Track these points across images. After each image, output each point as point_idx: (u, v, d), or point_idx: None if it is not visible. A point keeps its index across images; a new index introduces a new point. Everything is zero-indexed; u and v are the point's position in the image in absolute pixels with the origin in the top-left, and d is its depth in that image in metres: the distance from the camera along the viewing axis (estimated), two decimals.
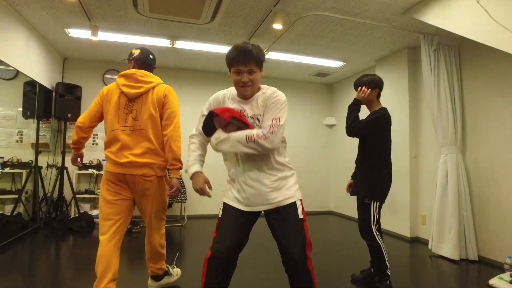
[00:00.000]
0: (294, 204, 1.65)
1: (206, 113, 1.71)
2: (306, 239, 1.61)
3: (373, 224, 2.49)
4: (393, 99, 4.52)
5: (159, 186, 2.12)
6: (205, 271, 1.60)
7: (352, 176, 2.88)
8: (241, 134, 1.57)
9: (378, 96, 2.66)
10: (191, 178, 1.71)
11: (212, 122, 1.64)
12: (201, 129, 1.74)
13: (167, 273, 2.44)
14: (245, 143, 1.54)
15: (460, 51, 3.67)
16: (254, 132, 1.56)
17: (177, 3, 3.20)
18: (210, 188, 1.72)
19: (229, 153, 1.73)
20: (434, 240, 3.52)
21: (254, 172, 1.65)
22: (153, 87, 2.15)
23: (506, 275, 2.39)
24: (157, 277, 2.39)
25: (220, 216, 1.72)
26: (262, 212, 1.69)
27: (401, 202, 4.29)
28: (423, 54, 3.55)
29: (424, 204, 4.11)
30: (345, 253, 3.66)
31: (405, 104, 4.28)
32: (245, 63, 1.60)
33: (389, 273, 2.51)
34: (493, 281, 2.41)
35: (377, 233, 2.49)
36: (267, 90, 1.72)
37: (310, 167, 6.09)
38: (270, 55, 4.66)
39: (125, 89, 2.09)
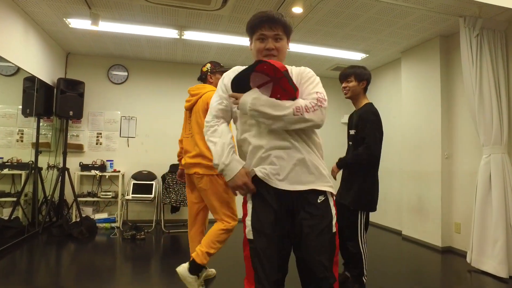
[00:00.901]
0: None
1: (223, 94, 1.43)
2: None
3: (360, 233, 2.39)
4: (422, 93, 4.09)
5: (212, 184, 2.37)
6: None
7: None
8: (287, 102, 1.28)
9: (365, 90, 2.48)
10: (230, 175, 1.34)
11: (249, 78, 1.29)
12: (231, 89, 1.36)
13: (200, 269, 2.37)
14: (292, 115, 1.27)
15: (507, 36, 3.22)
16: (302, 102, 1.29)
17: None
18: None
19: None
20: (474, 253, 3.09)
21: None
22: (200, 97, 2.49)
23: None
24: (193, 266, 2.29)
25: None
26: None
27: (432, 207, 3.86)
28: (462, 41, 3.12)
29: (458, 211, 3.67)
30: (395, 272, 3.25)
31: (437, 98, 3.85)
32: (270, 27, 1.37)
33: (365, 280, 2.40)
34: None
35: (362, 240, 2.39)
36: (293, 68, 1.45)
37: (327, 168, 5.69)
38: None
39: (185, 104, 2.64)
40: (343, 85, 2.49)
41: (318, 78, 1.42)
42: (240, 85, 1.31)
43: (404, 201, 4.34)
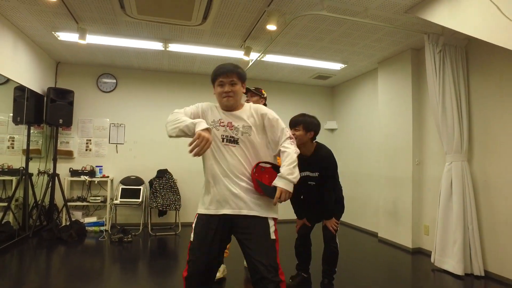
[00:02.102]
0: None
1: (193, 108, 1.86)
2: None
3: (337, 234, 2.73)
4: (395, 102, 4.33)
5: None
6: None
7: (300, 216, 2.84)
8: (293, 164, 1.71)
9: (313, 139, 2.60)
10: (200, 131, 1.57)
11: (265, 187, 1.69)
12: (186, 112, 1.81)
13: None
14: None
15: (467, 53, 3.46)
16: (294, 155, 1.74)
17: (165, 3, 3.05)
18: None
19: None
20: (437, 253, 3.32)
21: None
22: None
23: None
24: None
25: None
26: None
27: (403, 211, 4.09)
28: (427, 56, 3.35)
29: (427, 214, 3.90)
30: (365, 271, 3.46)
31: (408, 108, 4.08)
32: (227, 75, 1.79)
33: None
34: None
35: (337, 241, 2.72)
36: (251, 105, 1.87)
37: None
38: (268, 58, 4.50)
39: None
40: (291, 132, 2.56)
41: (279, 120, 1.82)
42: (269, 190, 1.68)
43: (380, 205, 4.56)
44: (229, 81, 1.79)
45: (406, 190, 4.06)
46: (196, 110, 1.83)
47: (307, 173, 2.60)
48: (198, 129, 1.56)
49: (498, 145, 3.14)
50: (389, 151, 4.41)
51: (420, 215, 3.99)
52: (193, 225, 1.73)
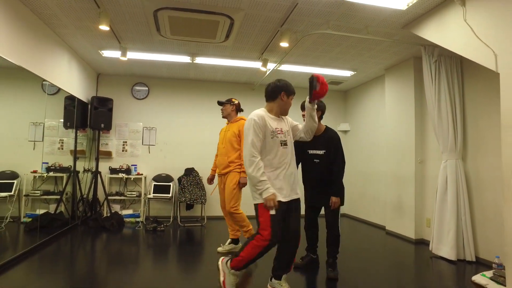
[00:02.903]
0: None
1: (258, 140, 2.36)
2: None
3: (339, 221, 3.15)
4: (400, 106, 4.72)
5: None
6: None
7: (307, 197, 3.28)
8: None
9: (321, 118, 3.13)
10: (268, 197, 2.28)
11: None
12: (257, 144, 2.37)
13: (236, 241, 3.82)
14: None
15: (462, 61, 3.83)
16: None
17: (194, 26, 3.61)
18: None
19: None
20: (434, 242, 3.71)
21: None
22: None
23: (489, 273, 2.57)
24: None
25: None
26: None
27: (407, 205, 4.48)
28: (424, 65, 3.76)
29: (429, 208, 4.27)
30: (370, 258, 3.88)
31: (411, 111, 4.47)
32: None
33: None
34: (475, 277, 2.60)
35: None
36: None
37: None
38: (283, 67, 5.00)
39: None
40: (303, 113, 3.02)
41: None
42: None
43: (387, 201, 4.96)
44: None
45: (410, 187, 4.44)
46: (260, 137, 2.37)
47: (314, 151, 3.09)
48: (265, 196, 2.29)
49: (487, 144, 3.50)
50: (395, 151, 4.80)
51: (422, 209, 4.36)
52: None
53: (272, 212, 2.29)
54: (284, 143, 2.42)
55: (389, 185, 4.94)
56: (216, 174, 3.94)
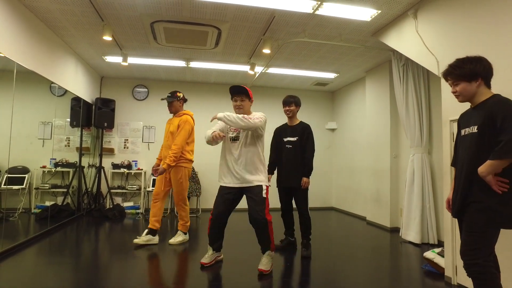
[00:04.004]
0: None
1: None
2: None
3: (308, 204, 3.51)
4: (378, 106, 5.13)
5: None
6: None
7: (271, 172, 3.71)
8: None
9: (297, 111, 3.59)
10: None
11: None
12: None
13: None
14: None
15: None
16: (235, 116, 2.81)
17: (186, 35, 4.05)
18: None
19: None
20: (403, 228, 4.12)
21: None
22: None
23: (438, 249, 2.97)
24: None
25: None
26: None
27: (384, 196, 4.89)
28: (393, 68, 4.18)
29: (402, 198, 4.67)
30: (345, 244, 4.30)
31: (387, 110, 4.88)
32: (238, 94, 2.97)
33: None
34: (426, 253, 3.01)
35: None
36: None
37: (314, 167, 6.72)
38: (271, 70, 5.43)
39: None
40: (286, 108, 3.54)
41: (262, 116, 2.87)
42: None
43: (368, 193, 5.37)
44: (240, 98, 2.94)
45: (386, 180, 4.86)
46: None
47: (288, 138, 3.54)
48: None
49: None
50: (373, 147, 5.21)
51: (397, 200, 4.77)
52: None
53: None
54: (233, 139, 2.91)
55: (369, 179, 5.35)
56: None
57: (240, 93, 2.89)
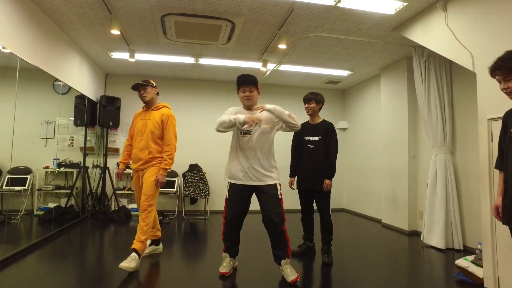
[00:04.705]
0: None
1: (228, 111, 2.73)
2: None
3: (330, 207, 3.35)
4: (394, 104, 4.94)
5: None
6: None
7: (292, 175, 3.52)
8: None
9: (320, 109, 3.42)
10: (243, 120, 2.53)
11: None
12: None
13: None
14: None
15: (450, 62, 4.04)
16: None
17: (198, 30, 3.86)
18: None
19: None
20: (426, 232, 3.93)
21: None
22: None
23: (471, 257, 2.78)
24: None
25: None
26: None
27: (401, 198, 4.70)
28: (414, 65, 3.98)
29: (421, 201, 4.48)
30: (365, 248, 4.11)
31: (405, 109, 4.69)
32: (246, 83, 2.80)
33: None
34: (458, 261, 2.82)
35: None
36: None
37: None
38: (282, 67, 5.23)
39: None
40: (306, 105, 3.36)
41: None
42: None
43: (383, 195, 5.18)
44: (248, 89, 2.76)
45: (403, 181, 4.66)
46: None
47: (309, 137, 3.35)
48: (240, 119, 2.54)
49: (473, 139, 3.72)
50: (389, 146, 5.02)
51: (415, 202, 4.58)
52: None
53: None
54: (244, 132, 2.70)
55: (384, 180, 5.16)
56: (132, 170, 3.20)
57: (249, 82, 2.71)
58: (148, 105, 3.21)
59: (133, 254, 2.83)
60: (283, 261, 2.65)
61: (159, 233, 3.39)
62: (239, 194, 2.68)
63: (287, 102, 6.43)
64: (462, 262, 2.76)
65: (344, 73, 5.50)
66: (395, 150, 4.89)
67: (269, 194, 2.63)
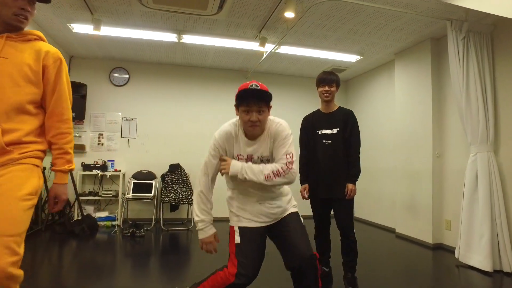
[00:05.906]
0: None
1: (213, 153, 1.72)
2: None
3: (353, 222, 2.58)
4: (414, 94, 4.21)
5: None
6: None
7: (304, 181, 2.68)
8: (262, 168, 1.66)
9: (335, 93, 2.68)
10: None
11: None
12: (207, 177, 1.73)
13: None
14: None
15: (493, 39, 3.33)
16: (271, 169, 1.64)
17: None
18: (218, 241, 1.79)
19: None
20: (462, 248, 3.19)
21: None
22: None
23: None
24: None
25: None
26: None
27: (423, 205, 3.97)
28: (450, 44, 3.24)
29: (449, 208, 3.77)
30: (386, 266, 3.34)
31: (428, 99, 3.96)
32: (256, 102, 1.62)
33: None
34: None
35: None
36: (270, 126, 1.73)
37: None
38: (282, 49, 4.42)
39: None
40: (326, 88, 2.55)
41: (291, 138, 1.70)
42: None
43: (397, 200, 4.44)
44: (257, 109, 1.62)
45: (426, 184, 3.93)
46: (215, 161, 1.73)
47: (324, 131, 2.58)
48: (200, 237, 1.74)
49: None
50: (407, 144, 4.29)
51: (441, 209, 3.86)
52: None
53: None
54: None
55: (399, 182, 4.42)
56: None
57: (261, 100, 1.64)
58: (10, 27, 1.47)
59: None
60: None
61: None
62: (254, 239, 1.75)
63: (285, 92, 5.63)
64: None
65: (352, 58, 4.74)
66: (415, 148, 4.15)
67: (294, 225, 1.81)
